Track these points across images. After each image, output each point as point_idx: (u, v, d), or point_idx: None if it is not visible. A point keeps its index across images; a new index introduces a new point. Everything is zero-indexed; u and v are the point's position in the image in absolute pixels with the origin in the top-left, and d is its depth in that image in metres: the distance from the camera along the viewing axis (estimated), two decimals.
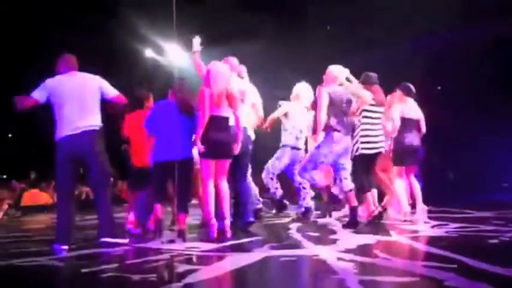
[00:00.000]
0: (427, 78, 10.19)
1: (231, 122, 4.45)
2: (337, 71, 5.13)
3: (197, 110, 4.46)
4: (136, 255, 3.82)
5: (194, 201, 5.99)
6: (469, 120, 10.68)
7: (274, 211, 6.26)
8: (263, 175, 5.90)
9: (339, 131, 4.87)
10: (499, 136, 10.22)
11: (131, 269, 3.11)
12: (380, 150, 5.36)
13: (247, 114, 5.02)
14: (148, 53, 12.39)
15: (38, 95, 4.16)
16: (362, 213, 5.35)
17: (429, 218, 5.52)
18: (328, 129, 4.89)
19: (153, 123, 4.75)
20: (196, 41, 4.82)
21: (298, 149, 5.89)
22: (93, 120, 4.19)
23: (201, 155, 4.39)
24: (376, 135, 5.33)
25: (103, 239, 4.07)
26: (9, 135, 18.33)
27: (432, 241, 3.75)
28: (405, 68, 9.34)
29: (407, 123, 5.54)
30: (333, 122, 4.86)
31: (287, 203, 6.02)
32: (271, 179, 5.85)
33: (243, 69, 5.27)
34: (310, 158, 5.04)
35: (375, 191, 5.50)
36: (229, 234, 4.25)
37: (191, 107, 4.64)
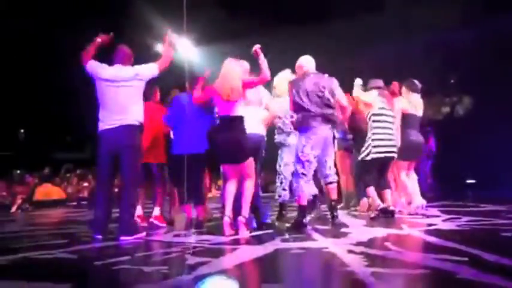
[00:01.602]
0: (441, 73, 10.13)
1: (243, 122, 4.35)
2: (303, 61, 4.84)
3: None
4: (148, 248, 3.85)
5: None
6: (487, 114, 10.59)
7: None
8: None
9: (309, 123, 4.56)
10: None
11: (143, 261, 3.14)
12: (389, 155, 5.32)
13: (261, 116, 4.93)
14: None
15: None
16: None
17: (441, 211, 5.51)
18: (300, 122, 4.63)
19: (171, 117, 4.92)
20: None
21: (283, 144, 5.51)
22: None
23: (218, 159, 4.45)
24: (389, 139, 5.30)
25: (122, 238, 4.13)
26: (21, 130, 18.52)
27: (444, 234, 3.72)
28: (416, 63, 9.28)
29: (410, 119, 5.55)
30: (302, 114, 4.58)
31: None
32: (281, 183, 5.57)
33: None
34: (296, 159, 4.72)
35: (388, 191, 5.41)
36: (243, 232, 4.18)
37: (209, 102, 4.68)
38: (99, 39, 4.35)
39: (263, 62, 4.38)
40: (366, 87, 5.61)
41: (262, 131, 4.91)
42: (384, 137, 5.28)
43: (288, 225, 4.67)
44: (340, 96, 4.68)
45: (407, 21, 9.45)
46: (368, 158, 5.27)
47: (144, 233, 4.38)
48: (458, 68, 10.80)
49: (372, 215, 5.20)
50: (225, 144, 4.25)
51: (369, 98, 5.41)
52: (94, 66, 4.32)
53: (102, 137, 4.26)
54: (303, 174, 4.54)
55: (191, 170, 4.82)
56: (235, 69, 4.39)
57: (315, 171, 4.75)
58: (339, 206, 5.90)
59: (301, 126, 4.59)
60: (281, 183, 5.50)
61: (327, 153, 4.66)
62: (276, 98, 5.40)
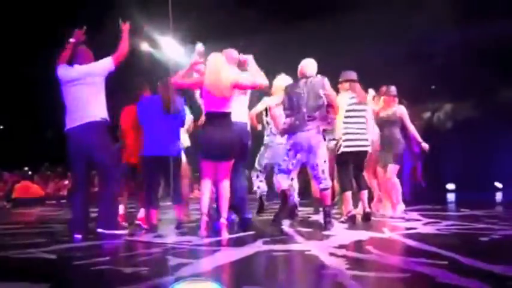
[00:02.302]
0: (420, 78, 10.27)
1: (234, 118, 4.31)
2: (302, 64, 4.91)
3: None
4: (129, 249, 3.81)
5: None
6: (468, 120, 10.78)
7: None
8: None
9: (298, 128, 4.64)
10: (497, 134, 10.32)
11: (123, 262, 3.11)
12: (362, 149, 5.26)
13: (246, 108, 4.91)
14: (144, 47, 12.33)
15: None
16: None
17: (421, 215, 5.58)
18: (290, 125, 4.72)
19: (139, 118, 4.84)
20: (199, 48, 4.65)
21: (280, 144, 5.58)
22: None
23: (199, 155, 4.30)
24: (358, 133, 5.21)
25: (99, 230, 4.14)
26: (1, 126, 18.20)
27: (424, 238, 3.76)
28: (398, 68, 9.37)
29: (386, 122, 5.65)
30: (293, 118, 4.68)
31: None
32: (257, 176, 5.82)
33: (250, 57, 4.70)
34: (280, 161, 4.86)
35: (365, 192, 5.40)
36: (225, 233, 4.13)
37: (172, 103, 4.63)
38: (72, 40, 4.33)
39: (254, 70, 4.40)
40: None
41: (243, 118, 4.81)
42: (354, 131, 5.18)
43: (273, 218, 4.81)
44: (332, 95, 4.73)
45: (388, 25, 9.54)
46: (339, 152, 5.16)
47: (126, 231, 4.36)
48: (440, 74, 10.94)
49: (342, 219, 5.13)
50: (215, 140, 4.13)
51: (340, 102, 5.20)
52: (60, 69, 4.31)
53: (68, 137, 4.30)
54: (281, 173, 4.79)
55: (164, 172, 4.77)
56: (224, 66, 4.27)
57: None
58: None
59: (290, 131, 4.66)
60: (257, 176, 5.64)
61: (316, 157, 4.68)
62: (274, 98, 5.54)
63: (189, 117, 5.38)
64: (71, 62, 4.32)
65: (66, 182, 12.71)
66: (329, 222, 4.65)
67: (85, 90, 4.26)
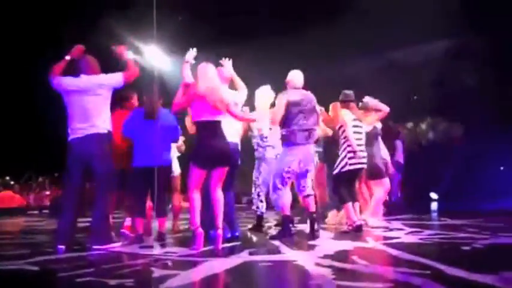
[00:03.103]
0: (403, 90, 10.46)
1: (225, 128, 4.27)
2: (296, 76, 4.99)
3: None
4: (114, 260, 3.77)
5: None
6: (445, 128, 10.97)
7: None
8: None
9: (293, 140, 4.74)
10: (479, 145, 10.53)
11: (108, 274, 3.08)
12: (364, 166, 5.45)
13: (238, 128, 4.93)
14: (129, 55, 12.29)
15: None
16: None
17: (404, 225, 5.66)
18: (283, 137, 4.83)
19: (127, 128, 4.82)
20: (190, 53, 4.54)
21: (261, 159, 5.63)
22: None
23: (192, 163, 4.18)
24: (361, 151, 5.36)
25: (94, 247, 4.09)
26: None
27: (407, 248, 3.81)
28: (379, 79, 9.53)
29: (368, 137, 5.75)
30: (286, 130, 4.76)
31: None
32: (258, 195, 5.63)
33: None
34: (277, 173, 4.83)
35: (357, 204, 5.51)
36: (219, 246, 4.02)
37: (154, 111, 4.63)
38: (68, 57, 4.36)
39: (239, 86, 4.58)
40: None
41: (237, 139, 4.88)
42: (358, 149, 5.31)
43: (272, 234, 4.79)
44: (323, 112, 4.89)
45: (369, 37, 9.70)
46: (344, 169, 5.30)
47: (119, 243, 4.33)
48: (422, 85, 11.14)
49: (344, 229, 5.26)
50: (212, 148, 4.09)
51: (346, 118, 5.40)
52: (60, 81, 4.31)
53: (70, 146, 4.30)
54: (280, 188, 4.74)
55: (151, 183, 4.74)
56: (217, 77, 4.27)
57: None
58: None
59: (289, 141, 4.74)
60: (258, 195, 5.57)
61: (309, 168, 4.88)
62: (255, 112, 5.53)
63: (181, 138, 5.43)
64: (76, 73, 4.34)
65: (48, 193, 12.53)
66: (317, 230, 4.74)
67: (92, 101, 4.28)
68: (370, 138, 5.84)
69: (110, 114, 4.45)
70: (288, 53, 9.57)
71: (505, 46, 9.78)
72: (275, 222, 6.24)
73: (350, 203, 5.27)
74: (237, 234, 4.77)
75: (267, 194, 5.38)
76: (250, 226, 5.75)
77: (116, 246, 4.27)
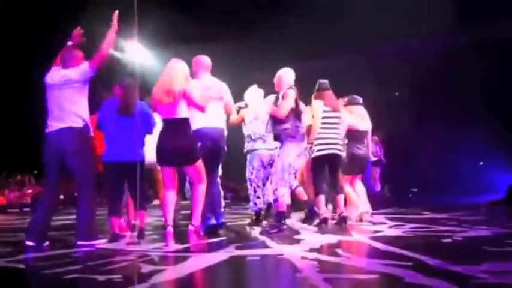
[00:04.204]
0: (385, 85, 10.58)
1: (211, 124, 4.39)
2: (290, 74, 5.17)
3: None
4: (100, 256, 3.76)
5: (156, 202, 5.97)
6: (429, 125, 11.15)
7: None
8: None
9: (293, 137, 4.93)
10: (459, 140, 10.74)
11: (96, 270, 3.08)
12: (334, 152, 5.32)
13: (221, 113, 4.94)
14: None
15: None
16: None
17: (387, 218, 5.77)
18: (295, 132, 4.97)
19: (99, 122, 4.72)
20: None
21: (252, 151, 5.81)
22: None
23: (158, 162, 4.32)
24: (330, 138, 5.30)
25: (79, 243, 4.06)
26: None
27: (390, 241, 3.90)
28: (364, 73, 9.63)
29: (354, 134, 5.78)
30: (281, 128, 4.90)
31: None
32: (254, 191, 5.78)
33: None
34: (286, 168, 4.97)
35: (341, 197, 5.49)
36: (199, 238, 4.14)
37: (131, 107, 4.51)
38: (70, 43, 4.33)
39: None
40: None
41: (221, 124, 4.87)
42: (326, 136, 5.29)
43: (272, 231, 4.77)
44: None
45: (354, 32, 9.78)
46: (312, 156, 5.34)
47: (104, 240, 4.29)
48: (403, 81, 11.26)
49: (315, 223, 5.26)
50: (168, 147, 4.17)
51: (316, 110, 5.41)
52: (49, 72, 4.29)
53: (46, 140, 4.25)
54: (287, 184, 4.95)
55: (127, 179, 4.65)
56: (177, 72, 4.24)
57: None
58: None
59: (295, 136, 4.91)
60: (255, 191, 5.61)
61: (298, 165, 5.16)
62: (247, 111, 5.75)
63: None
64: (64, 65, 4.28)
65: (30, 191, 12.35)
66: (310, 217, 5.07)
67: (66, 95, 4.20)
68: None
69: (87, 108, 4.32)
70: (276, 47, 9.61)
71: (484, 39, 9.98)
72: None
73: (322, 196, 5.25)
74: (222, 221, 4.79)
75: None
76: (248, 221, 5.85)
77: (101, 243, 4.24)
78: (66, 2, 10.06)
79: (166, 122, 4.24)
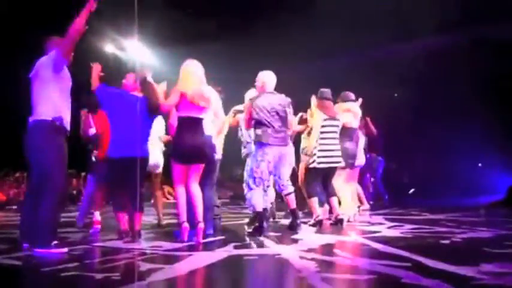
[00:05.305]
0: (384, 86, 10.56)
1: (205, 124, 4.33)
2: (266, 77, 4.99)
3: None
4: (98, 254, 3.77)
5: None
6: (426, 125, 11.14)
7: None
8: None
9: (264, 140, 4.74)
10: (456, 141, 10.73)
11: (94, 268, 3.08)
12: (335, 164, 5.44)
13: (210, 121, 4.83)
14: (109, 48, 12.11)
15: None
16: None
17: (386, 219, 5.76)
18: (260, 137, 4.77)
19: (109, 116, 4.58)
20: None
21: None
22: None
23: (172, 159, 4.29)
24: (330, 150, 5.38)
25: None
26: None
27: (388, 241, 3.89)
28: (359, 75, 9.60)
29: (346, 131, 5.77)
30: (259, 132, 4.76)
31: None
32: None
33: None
34: (249, 172, 4.88)
35: (335, 198, 5.53)
36: (200, 239, 4.07)
37: (159, 106, 4.39)
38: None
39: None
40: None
41: (209, 132, 4.74)
42: (327, 148, 5.37)
43: (249, 230, 4.75)
44: (291, 115, 5.00)
45: (351, 34, 9.75)
46: (312, 166, 5.38)
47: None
48: (402, 82, 11.25)
49: (311, 223, 5.21)
50: (190, 144, 4.16)
51: (316, 120, 5.46)
52: None
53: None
54: (251, 188, 4.78)
55: (128, 175, 4.27)
56: (202, 76, 4.33)
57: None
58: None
59: (260, 141, 4.73)
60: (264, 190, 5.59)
61: (283, 167, 4.93)
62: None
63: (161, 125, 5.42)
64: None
65: None
66: (298, 224, 4.81)
67: (35, 86, 3.86)
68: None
69: (57, 100, 3.82)
70: (272, 50, 9.57)
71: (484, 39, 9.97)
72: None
73: (316, 198, 5.29)
74: (210, 232, 4.63)
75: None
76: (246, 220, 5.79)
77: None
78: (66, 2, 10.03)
79: (189, 119, 4.20)
